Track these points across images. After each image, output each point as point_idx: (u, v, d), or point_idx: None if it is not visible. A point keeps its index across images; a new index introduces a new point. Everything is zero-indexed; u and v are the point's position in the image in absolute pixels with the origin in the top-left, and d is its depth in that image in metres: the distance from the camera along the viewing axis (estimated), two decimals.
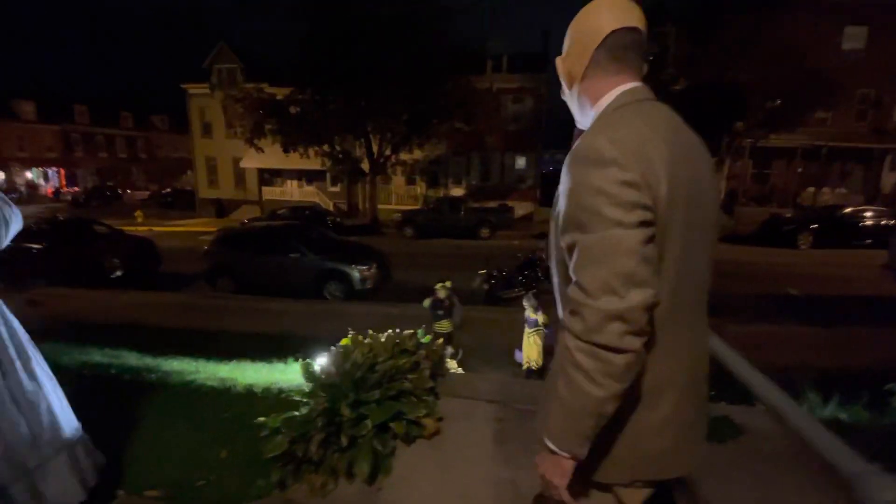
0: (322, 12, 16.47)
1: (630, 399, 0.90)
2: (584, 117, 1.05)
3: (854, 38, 19.60)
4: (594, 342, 0.81)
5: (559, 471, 0.90)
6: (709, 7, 14.91)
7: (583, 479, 0.98)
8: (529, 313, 5.14)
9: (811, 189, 20.32)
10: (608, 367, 0.81)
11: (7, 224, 1.71)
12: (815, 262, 11.93)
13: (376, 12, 16.17)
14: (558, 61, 1.05)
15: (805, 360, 4.65)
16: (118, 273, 9.72)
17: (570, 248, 0.87)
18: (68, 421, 1.87)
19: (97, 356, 3.98)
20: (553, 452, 0.90)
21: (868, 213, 14.30)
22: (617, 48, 0.94)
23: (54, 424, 1.79)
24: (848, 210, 14.64)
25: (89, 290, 8.31)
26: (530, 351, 5.06)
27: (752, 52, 14.74)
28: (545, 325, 5.07)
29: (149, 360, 3.92)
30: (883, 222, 13.76)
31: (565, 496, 0.92)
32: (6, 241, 1.75)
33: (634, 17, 0.94)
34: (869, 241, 13.40)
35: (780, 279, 9.42)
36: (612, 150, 0.83)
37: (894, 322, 6.66)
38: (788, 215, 15.81)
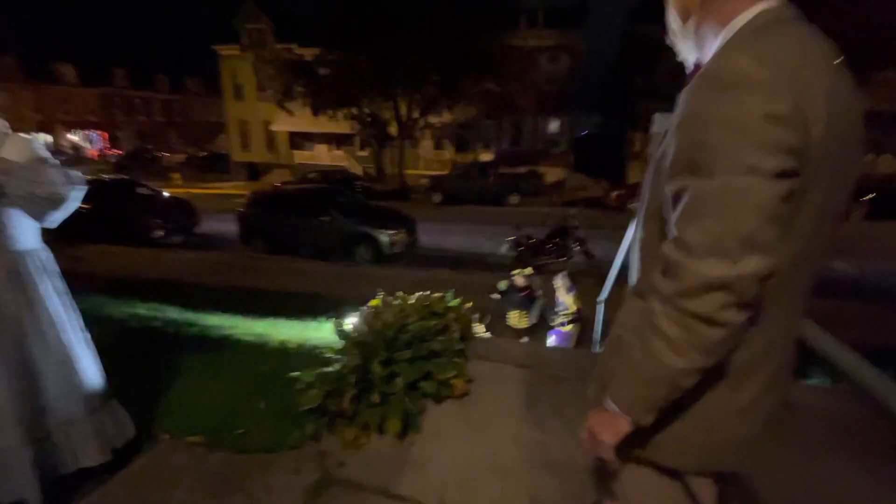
0: None
1: (713, 378, 0.79)
2: (705, 53, 0.83)
3: None
4: (687, 309, 0.69)
5: (612, 429, 0.83)
6: None
7: (652, 463, 0.91)
8: (560, 295, 4.59)
9: (871, 156, 18.82)
10: (697, 338, 0.69)
11: (55, 204, 1.65)
12: (871, 235, 11.16)
13: None
14: None
15: (852, 336, 4.42)
16: (160, 234, 10.13)
17: (677, 196, 0.71)
18: (96, 384, 1.89)
19: (142, 310, 4.19)
20: (613, 412, 0.83)
21: None
22: None
23: (81, 386, 1.81)
24: None
25: (132, 248, 8.71)
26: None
27: (809, 4, 13.35)
28: (575, 313, 4.49)
29: (189, 315, 4.10)
30: None
31: (609, 455, 0.85)
32: (56, 219, 1.70)
33: None
34: None
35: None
36: (760, 71, 0.65)
37: None
38: None
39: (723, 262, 0.66)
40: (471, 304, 3.35)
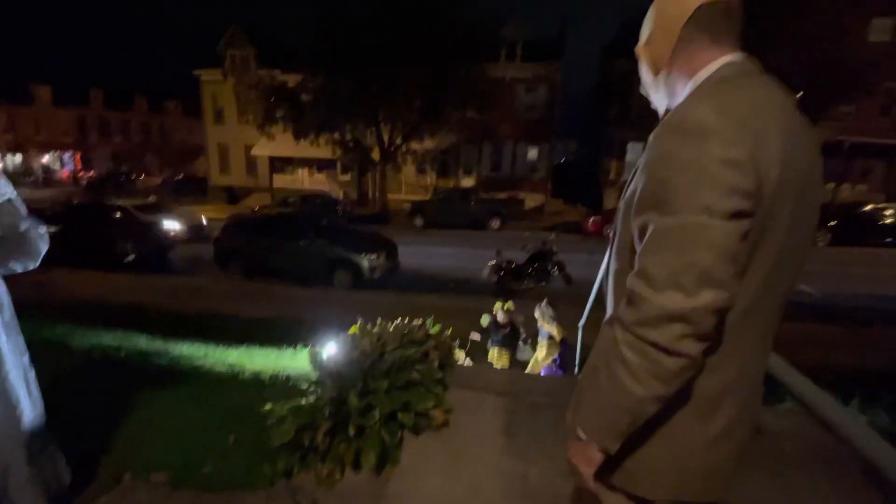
0: None
1: (683, 407, 0.81)
2: (675, 102, 0.90)
3: (881, 30, 18.94)
4: (646, 339, 0.72)
5: (586, 459, 0.85)
6: None
7: (625, 492, 0.92)
8: (543, 324, 4.42)
9: (831, 185, 19.82)
10: (656, 367, 0.72)
11: (20, 248, 1.55)
12: (834, 260, 11.66)
13: None
14: (639, 50, 0.93)
15: (822, 360, 4.54)
16: (131, 258, 9.83)
17: (642, 231, 0.76)
18: (37, 428, 1.74)
19: (107, 339, 4.00)
20: (584, 440, 0.85)
21: (888, 212, 13.91)
22: (710, 20, 0.82)
23: (21, 431, 1.65)
24: (868, 207, 14.26)
25: (102, 272, 8.41)
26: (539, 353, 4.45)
27: (775, 43, 14.32)
28: (561, 342, 4.32)
29: (158, 344, 3.94)
30: None
31: (590, 484, 0.88)
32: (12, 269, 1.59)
33: None
34: (889, 239, 13.06)
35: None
36: (716, 120, 0.70)
37: None
38: None
39: (680, 294, 0.69)
40: (450, 330, 3.33)
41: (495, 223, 17.32)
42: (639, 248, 0.76)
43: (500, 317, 4.59)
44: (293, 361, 3.37)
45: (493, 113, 19.24)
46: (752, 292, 0.78)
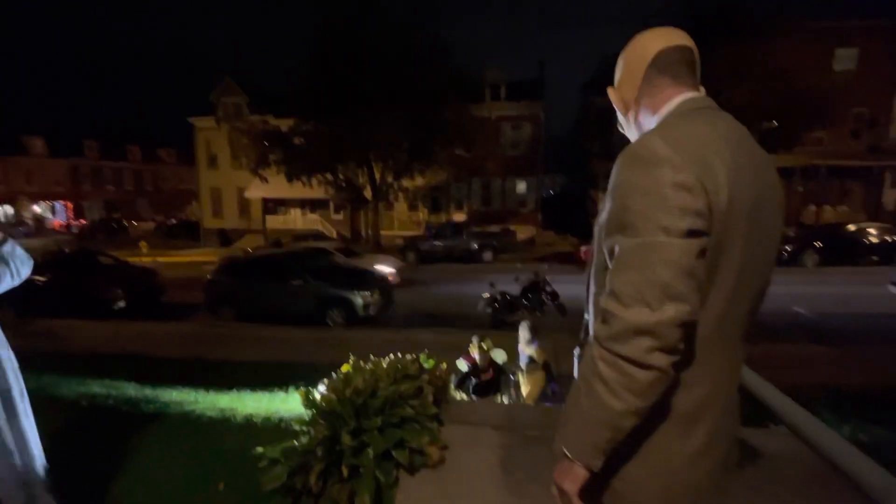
0: (325, 45, 17.03)
1: (663, 424, 0.84)
2: None
3: (844, 59, 20.07)
4: (618, 353, 0.76)
5: (570, 477, 0.85)
6: (702, 33, 15.34)
7: None
8: (522, 345, 4.04)
9: (812, 207, 20.33)
10: (630, 381, 0.75)
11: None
12: (823, 280, 11.81)
13: (378, 45, 16.72)
14: (611, 91, 1.04)
15: (818, 380, 4.54)
16: (121, 304, 9.71)
17: (611, 253, 0.82)
18: (37, 473, 1.76)
19: (96, 387, 3.92)
20: (568, 459, 0.86)
21: (872, 231, 14.22)
22: (669, 63, 0.93)
23: (20, 474, 1.68)
24: (852, 227, 14.57)
25: (92, 321, 8.28)
26: (525, 388, 3.96)
27: (745, 76, 15.10)
28: (544, 365, 3.97)
29: (148, 391, 3.86)
30: (888, 239, 13.67)
31: (576, 503, 0.87)
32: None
33: (681, 37, 0.94)
34: (875, 258, 13.29)
35: (788, 298, 9.30)
36: (665, 149, 0.78)
37: None
38: (792, 234, 15.76)
39: (646, 309, 0.74)
40: (445, 364, 3.31)
41: (488, 256, 17.43)
42: (610, 270, 0.82)
43: (479, 359, 3.85)
44: (285, 403, 3.31)
45: (481, 150, 19.87)
46: (719, 309, 0.83)
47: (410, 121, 16.98)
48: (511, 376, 4.07)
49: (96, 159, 42.06)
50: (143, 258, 19.28)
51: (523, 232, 22.60)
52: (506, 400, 3.93)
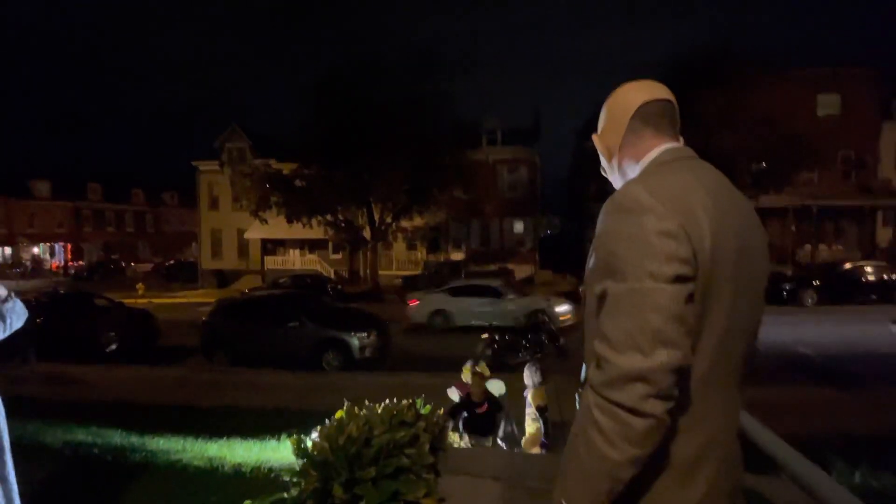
0: (329, 94, 17.75)
1: (662, 474, 0.83)
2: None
3: (828, 104, 20.99)
4: (614, 401, 0.75)
5: None
6: (691, 81, 16.10)
7: None
8: (529, 390, 3.72)
9: (808, 247, 20.52)
10: (626, 429, 0.74)
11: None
12: (823, 319, 11.72)
13: (380, 95, 17.45)
14: (595, 138, 1.08)
15: (827, 425, 4.41)
16: (113, 347, 9.54)
17: (602, 298, 0.83)
18: None
19: (81, 435, 3.78)
20: None
21: (869, 269, 14.30)
22: (651, 115, 0.97)
23: None
24: (848, 266, 14.66)
25: (83, 365, 8.10)
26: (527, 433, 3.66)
27: (734, 121, 15.73)
28: (539, 409, 3.67)
29: (134, 439, 3.72)
30: (885, 277, 13.71)
31: None
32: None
33: (663, 91, 1.00)
34: (874, 296, 13.27)
35: (790, 338, 9.19)
36: (648, 198, 0.80)
37: None
38: (789, 273, 15.82)
39: (638, 355, 0.74)
40: (442, 410, 3.21)
41: None
42: (601, 315, 0.82)
43: (472, 387, 3.34)
44: (276, 452, 3.19)
45: (479, 192, 20.32)
46: (711, 353, 0.83)
47: (411, 166, 17.44)
48: (509, 416, 3.59)
49: (100, 201, 42.66)
50: (140, 300, 19.14)
51: (522, 271, 22.61)
52: (501, 443, 3.49)
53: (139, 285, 23.27)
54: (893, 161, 21.09)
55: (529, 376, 3.80)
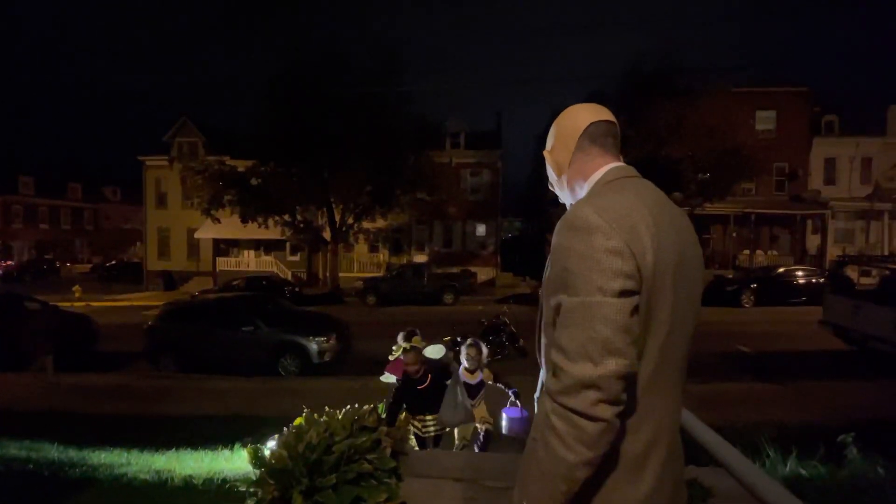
0: (289, 90, 17.17)
1: (613, 472, 0.89)
2: (575, 198, 1.11)
3: (765, 120, 22.77)
4: (569, 407, 0.81)
5: None
6: (640, 95, 17.06)
7: None
8: (465, 367, 3.32)
9: (746, 252, 22.03)
10: (580, 433, 0.80)
11: None
12: (760, 319, 12.62)
13: (340, 90, 17.10)
14: (546, 154, 1.15)
15: (763, 416, 4.75)
16: (48, 354, 8.82)
17: (557, 310, 0.89)
18: None
19: (13, 449, 3.48)
20: None
21: (799, 273, 15.57)
22: (598, 135, 1.06)
23: None
24: (781, 270, 15.88)
25: (13, 373, 7.45)
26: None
27: (679, 133, 16.78)
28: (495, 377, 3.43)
29: (73, 453, 3.47)
30: (814, 280, 14.94)
31: None
32: None
33: (607, 114, 1.09)
34: (804, 298, 14.41)
35: (731, 337, 9.82)
36: (597, 218, 0.87)
37: (837, 375, 7.01)
38: (730, 276, 16.92)
39: (590, 364, 0.80)
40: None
41: (449, 297, 17.42)
42: (556, 326, 0.89)
43: (409, 362, 2.97)
44: (230, 462, 3.07)
45: (442, 194, 20.34)
46: (655, 358, 0.91)
47: (373, 165, 17.21)
48: (458, 378, 3.19)
49: (31, 196, 39.32)
50: (76, 303, 17.81)
51: (484, 273, 22.92)
52: (458, 409, 3.10)
53: (76, 287, 21.64)
54: (822, 173, 23.09)
55: (472, 357, 3.31)
